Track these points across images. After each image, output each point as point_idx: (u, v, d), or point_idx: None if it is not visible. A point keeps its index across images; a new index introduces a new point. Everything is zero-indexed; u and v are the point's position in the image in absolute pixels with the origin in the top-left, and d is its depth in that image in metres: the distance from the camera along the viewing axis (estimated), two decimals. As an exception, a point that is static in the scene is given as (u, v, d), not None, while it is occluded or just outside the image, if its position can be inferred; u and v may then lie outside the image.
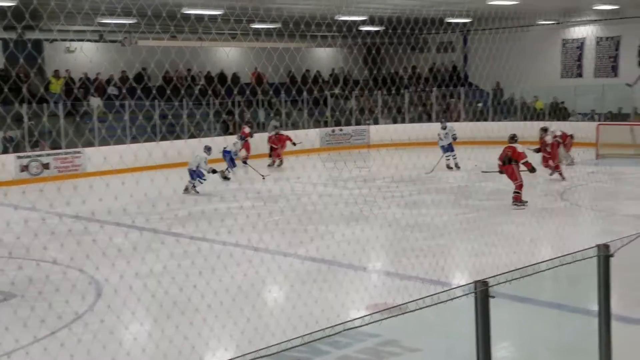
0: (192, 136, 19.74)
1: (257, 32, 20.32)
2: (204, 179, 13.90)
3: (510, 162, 12.37)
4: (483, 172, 14.71)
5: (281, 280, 8.36)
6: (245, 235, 10.13)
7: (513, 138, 12.76)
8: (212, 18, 16.82)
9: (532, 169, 12.60)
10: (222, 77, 23.69)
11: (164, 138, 18.72)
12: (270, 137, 19.31)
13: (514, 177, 12.34)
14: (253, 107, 22.38)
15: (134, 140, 17.45)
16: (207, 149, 14.37)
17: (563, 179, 15.21)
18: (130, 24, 18.24)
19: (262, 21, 16.82)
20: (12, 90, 16.08)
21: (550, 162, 15.47)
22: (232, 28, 20.39)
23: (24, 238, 9.61)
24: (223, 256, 9.11)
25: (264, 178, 15.24)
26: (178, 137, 19.04)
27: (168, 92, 18.39)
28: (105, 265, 8.29)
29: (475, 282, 3.47)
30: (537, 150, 15.29)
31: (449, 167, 17.76)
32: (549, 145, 15.49)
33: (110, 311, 6.89)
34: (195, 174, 13.94)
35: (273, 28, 19.25)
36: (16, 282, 7.85)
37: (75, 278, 8.42)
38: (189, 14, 15.27)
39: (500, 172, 12.59)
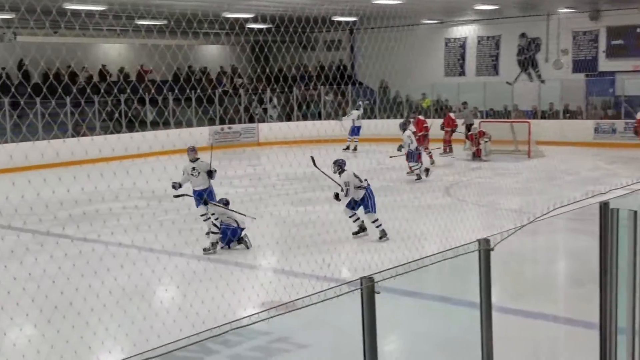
0: (72, 135, 18.87)
1: (138, 29, 19.64)
2: None
3: None
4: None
5: (167, 282, 8.10)
6: (128, 237, 9.75)
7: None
8: (90, 14, 16.07)
9: None
10: (102, 74, 22.74)
11: (54, 137, 17.73)
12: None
13: None
14: (134, 105, 21.60)
15: (25, 138, 16.46)
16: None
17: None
18: (2, 19, 17.18)
19: (142, 17, 16.25)
20: None
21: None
22: (112, 24, 19.62)
23: None
24: (106, 258, 8.72)
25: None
26: (56, 137, 18.08)
27: (44, 90, 17.38)
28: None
29: (361, 278, 3.43)
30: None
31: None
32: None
33: (1, 312, 6.55)
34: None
35: (154, 25, 18.69)
36: None
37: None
38: (66, 9, 14.47)
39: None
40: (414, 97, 25.33)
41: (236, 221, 9.50)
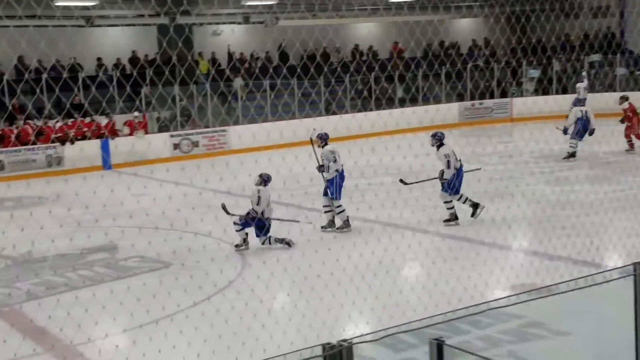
0: (333, 113, 20.04)
1: (399, 6, 20.11)
2: None
3: None
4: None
5: (422, 257, 8.31)
6: (385, 211, 10.15)
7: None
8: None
9: None
10: (360, 53, 23.73)
11: (307, 115, 19.17)
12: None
13: None
14: (394, 83, 22.12)
15: (280, 118, 18.04)
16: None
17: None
18: (276, 4, 18.74)
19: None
20: (165, 73, 17.11)
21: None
22: (374, 3, 20.33)
23: (183, 211, 10.35)
24: (352, 233, 9.24)
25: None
26: (320, 115, 19.44)
27: (312, 70, 18.72)
28: (254, 238, 8.71)
29: (635, 264, 3.28)
30: (622, 121, 14.56)
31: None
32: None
33: (259, 281, 7.13)
34: None
35: (415, 1, 18.97)
36: (177, 252, 8.48)
37: (228, 249, 8.95)
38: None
39: None
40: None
41: (256, 212, 8.85)
